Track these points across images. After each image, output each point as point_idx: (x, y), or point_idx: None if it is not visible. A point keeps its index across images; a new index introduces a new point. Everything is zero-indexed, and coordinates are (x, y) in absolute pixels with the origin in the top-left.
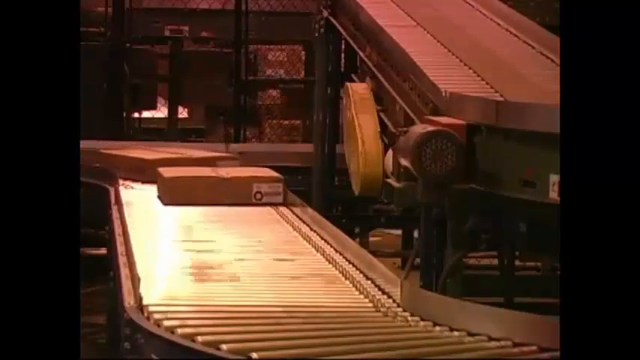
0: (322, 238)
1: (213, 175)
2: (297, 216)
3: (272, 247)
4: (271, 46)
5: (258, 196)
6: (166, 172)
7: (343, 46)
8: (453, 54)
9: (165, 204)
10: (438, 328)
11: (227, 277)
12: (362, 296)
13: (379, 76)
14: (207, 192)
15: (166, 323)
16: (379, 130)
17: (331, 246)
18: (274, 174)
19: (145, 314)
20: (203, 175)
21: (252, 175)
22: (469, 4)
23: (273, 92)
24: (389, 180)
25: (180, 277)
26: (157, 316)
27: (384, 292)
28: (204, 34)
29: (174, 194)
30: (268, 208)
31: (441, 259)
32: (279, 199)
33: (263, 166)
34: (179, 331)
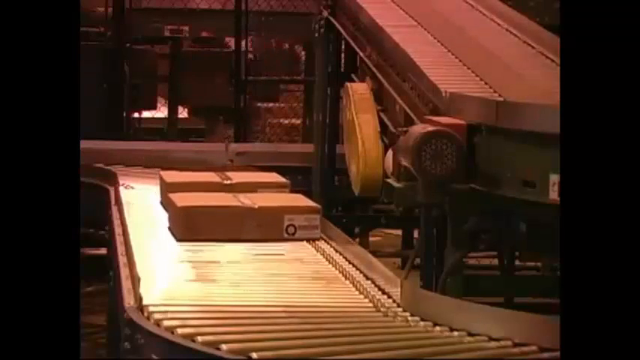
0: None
1: (237, 204)
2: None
3: (274, 248)
4: None
5: (291, 230)
6: (179, 199)
7: (343, 46)
8: (453, 54)
9: (179, 240)
10: (438, 328)
11: (227, 277)
12: (362, 296)
13: (379, 76)
14: (231, 225)
15: (166, 323)
16: (379, 130)
17: (332, 247)
18: (310, 203)
19: (145, 314)
20: (226, 205)
21: (284, 205)
22: (469, 4)
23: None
24: (389, 180)
25: (181, 277)
26: (157, 316)
27: (384, 292)
28: (204, 34)
29: (190, 228)
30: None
31: (441, 259)
32: (316, 233)
33: (263, 166)
34: (179, 331)
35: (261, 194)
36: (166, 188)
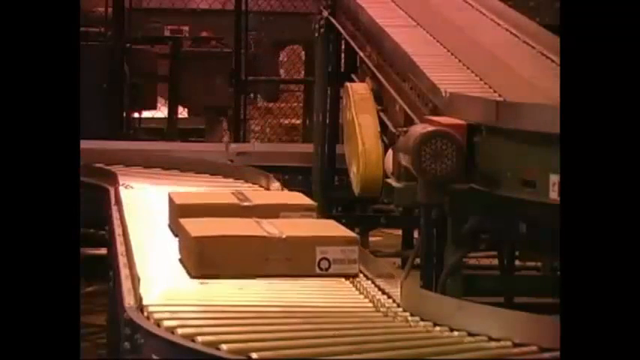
0: None
1: (262, 233)
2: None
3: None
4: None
5: (324, 264)
6: (194, 228)
7: (343, 46)
8: (453, 54)
9: (194, 277)
10: (438, 328)
11: (227, 277)
12: (362, 296)
13: (379, 76)
14: (254, 258)
15: (166, 323)
16: (379, 130)
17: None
18: (347, 232)
19: (145, 314)
20: (248, 235)
21: (316, 235)
22: (469, 4)
23: None
24: (389, 180)
25: (180, 277)
26: (157, 316)
27: (384, 292)
28: (204, 34)
29: (205, 262)
30: None
31: (441, 259)
32: (354, 268)
33: (263, 166)
34: (179, 331)
35: (286, 220)
36: (177, 212)
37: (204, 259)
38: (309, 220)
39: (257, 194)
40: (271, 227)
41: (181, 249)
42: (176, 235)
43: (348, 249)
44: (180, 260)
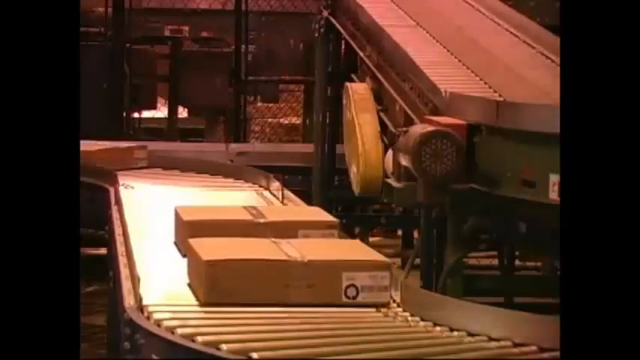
0: None
1: (281, 257)
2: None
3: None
4: None
5: (352, 292)
6: (203, 249)
7: (343, 46)
8: (453, 54)
9: (206, 303)
10: (438, 328)
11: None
12: None
13: (379, 76)
14: (272, 285)
15: (166, 323)
16: (379, 130)
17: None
18: (377, 255)
19: (145, 314)
20: (266, 258)
21: (343, 259)
22: (469, 4)
23: None
24: (389, 180)
25: (181, 277)
26: (157, 316)
27: None
28: (204, 34)
29: (217, 289)
30: None
31: (440, 259)
32: (385, 296)
33: (262, 166)
34: (179, 331)
35: (306, 240)
36: (185, 230)
37: (217, 286)
38: (332, 240)
39: (272, 209)
40: (291, 249)
41: (190, 272)
42: (184, 255)
43: (379, 275)
44: (189, 285)
